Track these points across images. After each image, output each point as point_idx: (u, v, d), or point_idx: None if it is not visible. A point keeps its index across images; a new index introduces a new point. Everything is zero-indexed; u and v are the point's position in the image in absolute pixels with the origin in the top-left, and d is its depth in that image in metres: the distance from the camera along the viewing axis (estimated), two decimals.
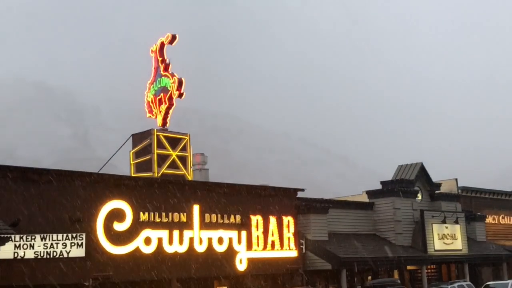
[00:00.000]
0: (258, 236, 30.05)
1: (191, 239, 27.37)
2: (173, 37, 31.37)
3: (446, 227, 38.80)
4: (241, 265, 29.15)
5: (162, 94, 31.00)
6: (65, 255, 23.38)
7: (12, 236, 21.82)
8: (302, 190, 32.88)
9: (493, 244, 44.05)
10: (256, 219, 30.10)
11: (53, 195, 23.61)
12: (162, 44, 31.65)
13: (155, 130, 29.81)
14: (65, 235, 23.47)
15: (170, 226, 26.72)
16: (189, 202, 27.64)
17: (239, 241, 29.21)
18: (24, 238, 22.63)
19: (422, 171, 40.49)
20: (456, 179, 45.81)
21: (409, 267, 38.10)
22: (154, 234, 26.13)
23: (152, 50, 31.93)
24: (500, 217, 48.79)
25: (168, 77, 30.96)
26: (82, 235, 23.86)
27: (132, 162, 30.10)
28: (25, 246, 22.66)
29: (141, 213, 25.84)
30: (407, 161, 41.51)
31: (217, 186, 29.26)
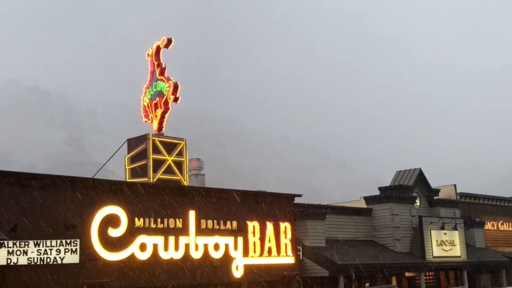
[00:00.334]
0: (254, 243, 29.81)
1: (187, 246, 27.12)
2: (169, 41, 31.14)
3: (445, 234, 38.59)
4: (237, 272, 28.90)
5: (158, 98, 30.77)
6: (59, 261, 23.09)
7: (5, 242, 21.61)
8: (300, 195, 32.68)
9: (492, 250, 43.83)
10: (252, 225, 29.85)
11: (47, 201, 23.33)
12: (158, 48, 31.41)
13: (150, 135, 29.55)
14: (59, 241, 23.18)
15: (165, 232, 26.45)
16: (185, 208, 27.40)
17: (236, 248, 28.95)
18: (18, 244, 22.30)
19: (421, 177, 40.30)
20: (455, 185, 45.62)
21: (407, 274, 37.87)
22: (149, 240, 25.86)
23: (148, 54, 31.71)
24: (499, 224, 48.59)
25: (164, 81, 30.72)
26: (77, 241, 23.59)
27: (127, 167, 29.83)
28: (18, 252, 22.32)
29: (136, 219, 25.59)
30: (405, 167, 41.37)
31: (213, 192, 29.00)
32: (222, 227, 28.59)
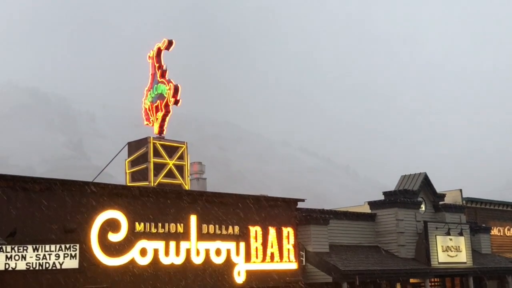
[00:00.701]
0: (257, 248, 29.38)
1: (188, 251, 26.70)
2: (170, 43, 30.86)
3: (450, 239, 38.14)
4: (239, 278, 28.48)
5: (158, 101, 30.48)
6: (58, 266, 22.69)
7: (4, 247, 21.31)
8: (302, 200, 32.30)
9: (498, 256, 43.40)
10: (255, 230, 29.43)
11: (46, 205, 22.96)
12: (159, 50, 31.14)
13: (151, 138, 29.24)
14: (58, 246, 22.79)
15: (166, 237, 26.04)
16: (186, 212, 26.99)
17: (238, 253, 28.54)
18: (16, 249, 21.96)
19: (426, 182, 39.84)
20: (461, 190, 45.23)
21: (412, 280, 37.40)
22: (150, 245, 25.45)
23: (149, 56, 31.45)
24: (506, 229, 48.12)
25: (165, 83, 30.45)
26: (76, 246, 23.19)
27: (127, 171, 29.52)
28: (16, 257, 21.99)
29: (137, 224, 25.20)
30: (409, 171, 40.99)
31: (215, 196, 28.59)
32: (224, 232, 28.18)
